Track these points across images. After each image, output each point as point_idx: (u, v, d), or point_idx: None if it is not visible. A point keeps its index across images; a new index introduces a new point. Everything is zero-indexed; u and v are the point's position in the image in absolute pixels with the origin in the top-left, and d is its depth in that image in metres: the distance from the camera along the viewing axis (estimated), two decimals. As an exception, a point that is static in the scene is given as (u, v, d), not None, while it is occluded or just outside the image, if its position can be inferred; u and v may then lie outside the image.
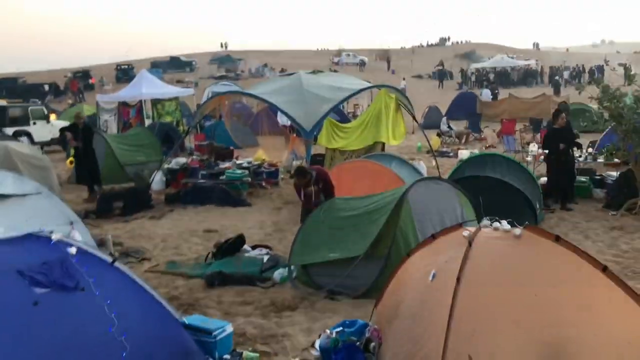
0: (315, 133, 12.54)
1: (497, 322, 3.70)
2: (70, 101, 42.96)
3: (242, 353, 5.25)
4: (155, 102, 23.37)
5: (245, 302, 7.00)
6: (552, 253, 3.94)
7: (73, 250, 4.44)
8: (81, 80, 52.74)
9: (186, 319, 5.16)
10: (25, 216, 7.41)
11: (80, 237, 7.62)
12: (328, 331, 5.25)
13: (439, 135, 21.70)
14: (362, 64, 71.67)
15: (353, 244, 6.96)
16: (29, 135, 22.61)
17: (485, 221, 4.34)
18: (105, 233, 9.89)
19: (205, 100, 16.27)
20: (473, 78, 56.56)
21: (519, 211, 8.86)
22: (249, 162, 14.83)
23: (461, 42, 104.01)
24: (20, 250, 4.27)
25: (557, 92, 39.90)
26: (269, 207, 12.29)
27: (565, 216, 10.83)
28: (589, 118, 15.80)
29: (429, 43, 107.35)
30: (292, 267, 7.52)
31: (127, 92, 24.00)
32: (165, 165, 14.90)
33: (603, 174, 12.54)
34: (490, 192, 9.02)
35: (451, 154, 18.80)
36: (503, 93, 38.10)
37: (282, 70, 52.84)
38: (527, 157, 14.79)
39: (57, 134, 22.00)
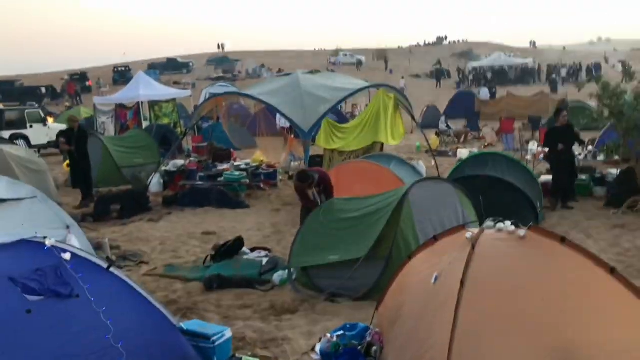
0: (313, 134, 12.45)
1: (502, 327, 3.60)
2: (67, 104, 42.84)
3: (241, 358, 5.15)
4: (153, 104, 23.31)
5: (245, 305, 6.91)
6: (558, 255, 3.84)
7: (67, 256, 4.34)
8: (78, 83, 52.69)
9: (184, 324, 5.07)
10: (20, 221, 7.33)
11: (76, 241, 7.54)
12: (329, 335, 5.16)
13: (437, 134, 21.63)
14: (359, 63, 71.65)
15: (354, 246, 6.87)
16: (25, 138, 22.46)
17: (489, 222, 4.24)
18: (103, 236, 9.80)
19: (203, 101, 16.17)
20: (471, 77, 56.52)
21: (519, 210, 8.79)
22: (247, 164, 14.75)
23: (458, 41, 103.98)
24: (13, 257, 4.18)
25: (554, 90, 39.92)
26: (267, 209, 12.20)
27: (566, 215, 10.75)
28: (588, 116, 15.74)
29: (427, 42, 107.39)
30: (292, 269, 7.43)
31: (124, 94, 23.96)
32: (163, 168, 14.82)
33: (603, 172, 12.46)
34: (491, 191, 8.98)
35: (450, 154, 18.74)
36: (501, 92, 38.11)
37: (280, 71, 52.72)
38: (526, 155, 14.71)
39: (54, 137, 21.84)
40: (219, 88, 31.55)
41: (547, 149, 11.80)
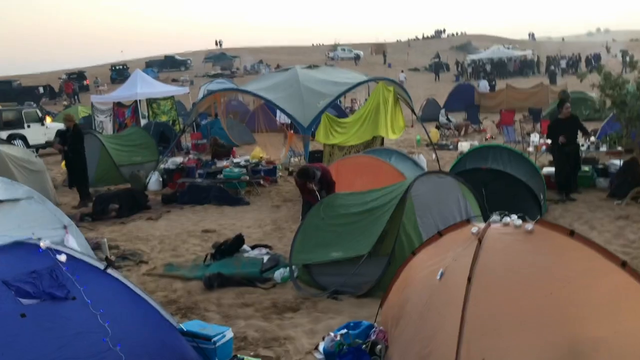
0: (312, 129, 12.34)
1: (511, 323, 3.49)
2: (65, 103, 42.70)
3: (243, 359, 5.05)
4: (151, 102, 23.18)
5: (246, 304, 6.81)
6: (567, 248, 3.72)
7: (63, 257, 4.24)
8: (76, 82, 52.56)
9: (184, 325, 4.97)
10: (17, 222, 7.21)
11: (74, 241, 7.44)
12: (332, 334, 5.06)
13: (437, 127, 21.49)
14: (357, 58, 71.43)
15: (356, 243, 6.77)
16: (23, 138, 22.34)
17: (495, 216, 4.13)
18: (101, 236, 9.69)
19: (201, 98, 16.04)
20: (470, 70, 56.35)
21: (522, 203, 8.70)
22: (246, 160, 14.64)
23: (457, 34, 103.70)
24: (6, 260, 4.06)
25: (553, 81, 39.79)
26: (267, 205, 12.10)
27: (569, 207, 10.64)
28: (590, 106, 15.64)
29: (425, 36, 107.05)
30: (293, 266, 7.32)
31: (122, 93, 23.80)
32: (162, 165, 14.71)
33: (606, 163, 12.34)
34: (493, 184, 8.90)
35: (451, 147, 18.61)
36: (500, 84, 37.96)
37: (278, 67, 52.57)
38: (528, 147, 14.58)
39: (52, 137, 21.73)
40: (217, 85, 31.35)
41: (549, 141, 11.66)
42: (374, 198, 7.27)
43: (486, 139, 20.02)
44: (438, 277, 4.11)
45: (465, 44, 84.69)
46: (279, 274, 7.47)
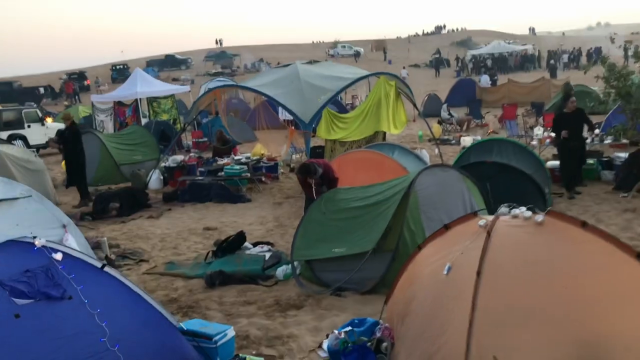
0: (313, 125, 12.22)
1: (523, 319, 3.36)
2: (66, 103, 42.62)
3: (245, 358, 4.93)
4: (151, 101, 23.10)
5: (248, 302, 6.69)
6: (580, 240, 3.58)
7: (59, 256, 4.12)
8: (77, 82, 52.50)
9: (184, 324, 4.85)
10: (15, 221, 7.10)
11: (74, 240, 7.34)
12: (336, 331, 4.94)
13: (439, 123, 21.36)
14: (357, 55, 71.21)
15: (360, 239, 6.63)
16: (23, 138, 22.26)
17: (503, 208, 4.00)
18: (101, 235, 9.58)
19: (201, 95, 15.92)
20: (471, 65, 56.11)
21: (527, 196, 8.54)
22: (247, 158, 14.54)
23: (457, 29, 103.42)
24: (0, 259, 3.94)
25: (553, 75, 39.61)
26: (269, 202, 11.99)
27: (574, 200, 10.50)
28: (594, 99, 15.47)
29: (425, 32, 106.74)
30: (296, 263, 7.20)
31: (122, 92, 23.71)
32: (162, 164, 14.61)
33: (611, 156, 12.20)
34: (498, 178, 8.77)
35: (453, 142, 18.46)
36: (501, 79, 37.78)
37: (278, 65, 52.42)
38: (531, 141, 14.44)
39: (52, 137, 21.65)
40: (218, 83, 31.18)
41: (553, 134, 11.51)
42: (377, 192, 7.14)
43: (488, 134, 19.87)
44: (445, 272, 3.98)
45: (465, 39, 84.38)
46: (281, 271, 7.35)
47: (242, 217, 10.88)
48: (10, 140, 20.33)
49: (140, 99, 22.42)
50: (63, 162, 15.72)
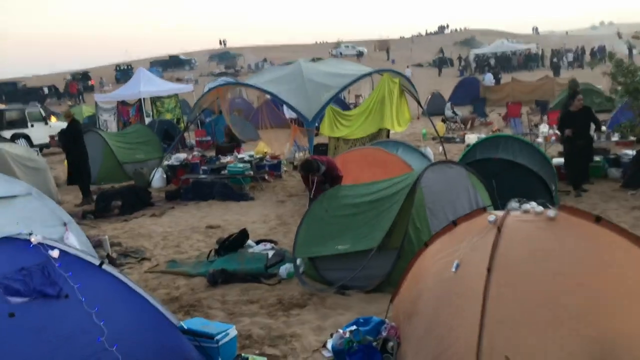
0: (317, 122, 12.10)
1: (536, 317, 3.23)
2: (70, 103, 42.61)
3: (247, 358, 4.81)
4: (155, 100, 23.04)
5: (250, 300, 6.57)
6: (594, 236, 3.45)
7: (55, 253, 4.00)
8: (81, 82, 52.58)
9: (185, 323, 4.72)
10: (15, 219, 6.98)
11: (74, 238, 7.23)
12: (341, 331, 4.81)
13: (443, 121, 21.23)
14: (360, 54, 70.98)
15: (364, 236, 6.51)
16: (27, 137, 22.22)
17: (513, 203, 3.86)
18: (103, 233, 9.48)
19: (204, 93, 15.81)
20: (474, 64, 55.88)
21: (534, 194, 8.33)
22: (250, 156, 14.44)
23: (460, 29, 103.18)
24: (-5, 256, 3.84)
25: (557, 74, 39.45)
26: (272, 200, 11.88)
27: (581, 197, 10.36)
28: (600, 96, 15.31)
29: (428, 32, 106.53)
30: (299, 261, 7.08)
31: (126, 91, 23.67)
32: (165, 162, 14.54)
33: (618, 153, 12.04)
34: (504, 174, 8.64)
35: (457, 140, 18.32)
36: (505, 78, 37.61)
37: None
38: (537, 139, 14.29)
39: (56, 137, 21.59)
40: (222, 83, 31.15)
41: (559, 132, 11.35)
42: (381, 189, 7.01)
43: (493, 132, 19.72)
44: (453, 269, 3.86)
45: (468, 39, 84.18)
46: (284, 269, 7.23)
47: (245, 215, 10.78)
48: (13, 139, 20.30)
49: (143, 98, 22.36)
50: (66, 161, 15.66)
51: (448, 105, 22.90)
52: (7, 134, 21.17)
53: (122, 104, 22.95)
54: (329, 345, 4.92)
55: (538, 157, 10.18)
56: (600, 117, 15.38)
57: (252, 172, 13.28)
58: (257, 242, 8.43)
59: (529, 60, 56.19)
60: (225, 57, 73.77)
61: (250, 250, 8.12)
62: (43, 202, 7.68)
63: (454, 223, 4.31)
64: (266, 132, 17.73)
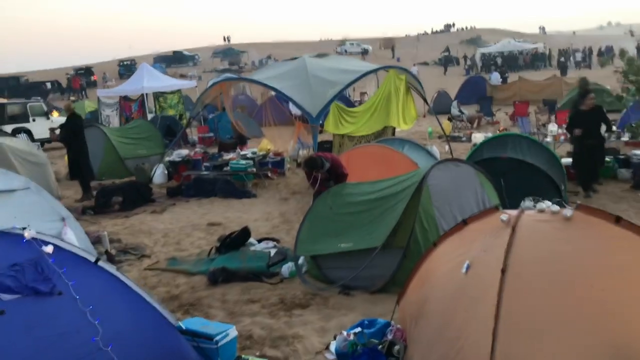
0: (321, 120, 11.92)
1: (552, 321, 3.06)
2: (72, 98, 42.50)
3: (248, 359, 4.65)
4: (158, 96, 22.91)
5: (252, 300, 6.41)
6: (613, 237, 3.27)
7: (49, 248, 3.85)
8: (84, 77, 52.43)
9: (184, 323, 4.57)
10: (12, 213, 6.84)
11: (72, 234, 7.09)
12: (345, 332, 4.65)
13: (449, 119, 21.04)
14: (365, 52, 70.72)
15: (368, 234, 6.34)
16: (28, 132, 22.12)
17: (528, 202, 3.69)
18: (103, 229, 9.34)
19: (206, 88, 15.65)
20: (480, 63, 55.62)
21: (543, 193, 8.16)
22: (253, 153, 14.28)
23: (466, 28, 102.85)
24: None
25: (564, 74, 39.17)
26: (275, 198, 11.72)
27: (591, 198, 10.17)
28: (609, 95, 15.08)
29: (434, 30, 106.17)
30: (301, 259, 6.91)
31: (128, 86, 23.53)
32: (167, 158, 14.39)
33: (628, 153, 11.84)
34: (512, 174, 8.47)
35: (464, 139, 18.14)
36: (512, 77, 37.38)
37: (286, 61, 52.01)
38: (545, 138, 14.09)
39: (57, 131, 21.45)
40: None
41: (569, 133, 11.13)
42: (386, 187, 6.85)
43: (499, 131, 19.51)
44: (463, 271, 3.68)
45: (474, 38, 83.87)
46: (286, 268, 7.07)
47: (247, 212, 10.62)
48: (14, 133, 20.19)
49: (146, 94, 22.22)
50: (66, 156, 15.53)
51: (454, 103, 22.68)
52: (8, 128, 21.07)
53: (125, 99, 22.82)
54: (333, 348, 4.76)
55: (547, 156, 9.99)
56: (610, 117, 15.19)
57: (254, 169, 13.12)
58: (259, 240, 8.27)
59: (536, 60, 55.89)
60: (229, 54, 73.57)
61: (252, 248, 7.96)
62: (41, 197, 7.55)
63: (465, 222, 4.14)
64: (270, 129, 17.55)
